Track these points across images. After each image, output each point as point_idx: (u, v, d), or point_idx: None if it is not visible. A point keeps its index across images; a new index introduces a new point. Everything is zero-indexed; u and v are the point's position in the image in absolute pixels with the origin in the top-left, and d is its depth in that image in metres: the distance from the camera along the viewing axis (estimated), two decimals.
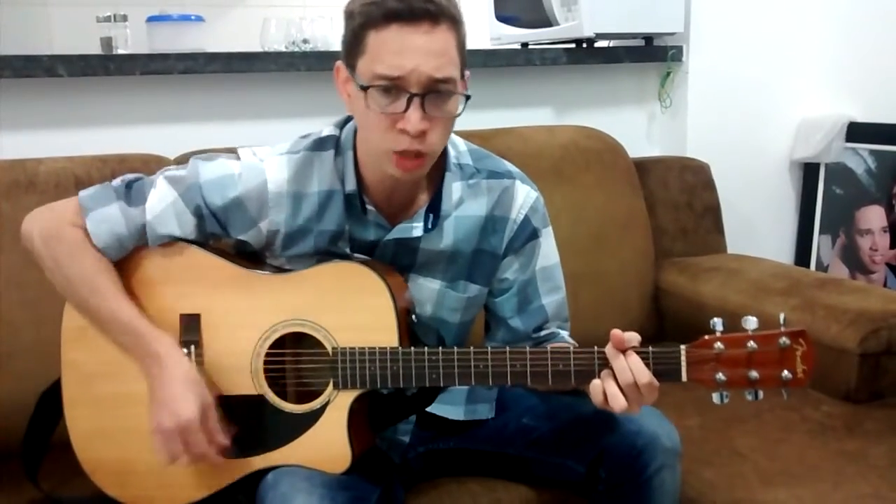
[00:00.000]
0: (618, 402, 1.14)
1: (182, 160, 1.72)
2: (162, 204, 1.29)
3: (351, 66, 1.20)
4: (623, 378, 1.14)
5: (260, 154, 1.32)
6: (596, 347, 1.18)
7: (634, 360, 1.14)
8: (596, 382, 1.16)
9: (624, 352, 1.15)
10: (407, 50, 1.14)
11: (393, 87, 1.15)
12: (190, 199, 1.29)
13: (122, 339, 1.27)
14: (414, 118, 1.15)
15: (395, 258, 1.33)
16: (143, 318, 1.27)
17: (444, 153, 1.31)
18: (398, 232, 1.31)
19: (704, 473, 1.47)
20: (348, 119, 1.32)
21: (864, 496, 1.38)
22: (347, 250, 1.31)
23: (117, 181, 1.33)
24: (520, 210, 1.37)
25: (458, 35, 1.18)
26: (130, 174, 1.34)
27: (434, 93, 1.16)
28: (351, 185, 1.28)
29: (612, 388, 1.15)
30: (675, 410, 1.49)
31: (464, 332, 1.44)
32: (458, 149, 1.36)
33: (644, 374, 1.13)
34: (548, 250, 1.41)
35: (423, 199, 1.32)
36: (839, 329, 1.72)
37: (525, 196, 1.37)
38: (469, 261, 1.36)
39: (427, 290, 1.36)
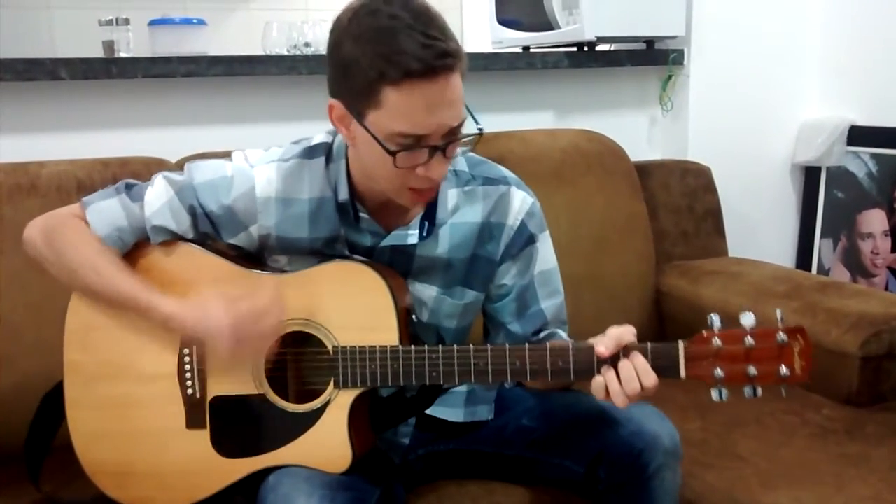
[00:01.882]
0: (620, 399, 1.15)
1: (183, 164, 1.73)
2: (159, 201, 1.30)
3: (356, 113, 1.16)
4: (629, 387, 1.14)
5: (251, 159, 1.33)
6: (594, 342, 1.18)
7: (640, 362, 1.15)
8: (598, 380, 1.16)
9: (627, 353, 1.15)
10: (429, 108, 1.12)
11: (415, 141, 1.14)
12: (184, 199, 1.30)
13: (134, 313, 1.27)
14: (438, 167, 1.17)
15: (391, 264, 1.33)
16: (144, 288, 1.26)
17: None
18: (393, 239, 1.31)
19: (705, 476, 1.47)
20: None
21: (864, 499, 1.38)
22: (346, 252, 1.32)
23: (118, 184, 1.35)
24: (516, 216, 1.36)
25: (463, 71, 1.17)
26: (132, 180, 1.36)
27: (452, 138, 1.17)
28: (343, 194, 1.28)
29: (615, 386, 1.15)
30: (677, 413, 1.49)
31: (462, 336, 1.44)
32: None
33: (650, 377, 1.14)
34: (546, 255, 1.41)
35: (419, 207, 1.32)
36: (840, 333, 1.72)
37: (521, 202, 1.37)
38: (465, 267, 1.36)
39: (424, 296, 1.36)
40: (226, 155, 1.37)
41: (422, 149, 1.15)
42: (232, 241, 1.33)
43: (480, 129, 1.20)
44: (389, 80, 1.10)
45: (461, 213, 1.35)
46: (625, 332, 1.17)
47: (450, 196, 1.34)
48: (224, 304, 1.21)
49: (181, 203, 1.30)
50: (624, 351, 1.16)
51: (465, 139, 1.20)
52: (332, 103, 1.20)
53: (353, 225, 1.31)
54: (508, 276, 1.39)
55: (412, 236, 1.31)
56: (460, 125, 1.17)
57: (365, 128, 1.15)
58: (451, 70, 1.13)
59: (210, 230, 1.32)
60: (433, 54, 1.10)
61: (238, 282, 1.30)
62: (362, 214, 1.30)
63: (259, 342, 1.23)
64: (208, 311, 1.21)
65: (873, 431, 1.61)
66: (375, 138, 1.14)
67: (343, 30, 1.15)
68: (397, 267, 1.33)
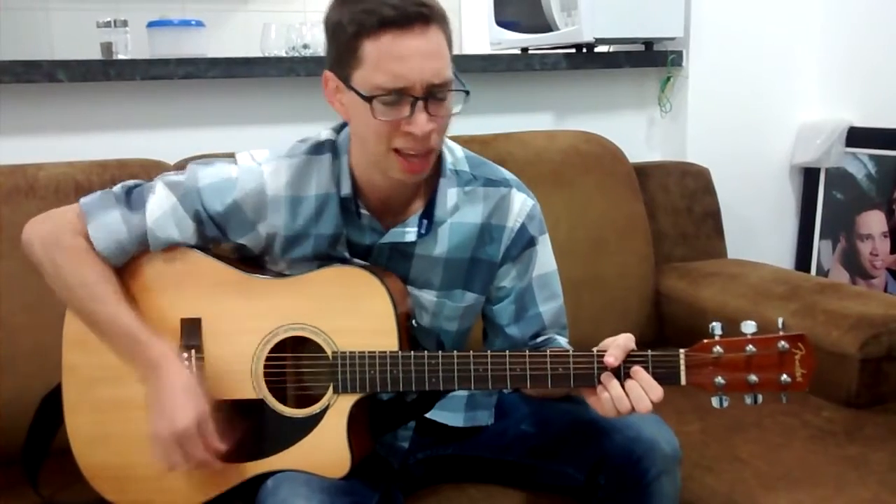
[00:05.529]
0: (623, 405, 1.15)
1: (182, 166, 1.72)
2: (161, 210, 1.29)
3: (343, 77, 1.19)
4: (640, 405, 1.14)
5: (258, 158, 1.33)
6: (595, 350, 1.18)
7: (644, 377, 1.15)
8: (606, 396, 1.16)
9: (628, 368, 1.15)
10: (405, 57, 1.14)
11: (396, 95, 1.16)
12: (189, 205, 1.29)
13: (120, 345, 1.28)
14: (421, 121, 1.17)
15: (389, 264, 1.33)
16: (142, 324, 1.27)
17: (440, 159, 1.31)
18: (392, 236, 1.31)
19: (705, 479, 1.47)
20: (345, 123, 1.33)
21: (864, 501, 1.38)
22: (346, 254, 1.32)
23: (117, 187, 1.33)
24: (516, 218, 1.37)
25: (447, 33, 1.20)
26: (130, 181, 1.35)
27: (435, 96, 1.18)
28: (346, 188, 1.29)
29: (618, 391, 1.15)
30: (676, 416, 1.50)
31: (463, 339, 1.44)
32: (456, 155, 1.37)
33: (656, 391, 1.14)
34: (545, 258, 1.41)
35: (419, 204, 1.33)
36: (840, 334, 1.72)
37: (521, 204, 1.37)
38: (465, 269, 1.36)
39: (424, 300, 1.36)
40: (226, 157, 1.36)
41: (403, 101, 1.16)
42: (240, 240, 1.32)
43: (467, 91, 1.21)
44: (367, 33, 1.14)
45: (461, 212, 1.35)
46: (629, 341, 1.17)
47: (450, 195, 1.34)
48: (202, 411, 1.21)
49: (185, 210, 1.29)
50: (625, 362, 1.16)
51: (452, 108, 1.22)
52: (325, 75, 1.23)
53: (354, 222, 1.31)
54: (507, 279, 1.39)
55: (410, 234, 1.31)
56: (444, 84, 1.18)
57: (352, 88, 1.18)
58: (427, 21, 1.16)
59: (217, 233, 1.32)
60: (408, 3, 1.14)
61: (237, 286, 1.29)
62: (363, 211, 1.30)
63: (186, 461, 1.22)
64: (188, 399, 1.21)
65: (873, 433, 1.61)
66: (358, 93, 1.16)
67: (332, 3, 1.20)
68: (397, 267, 1.33)
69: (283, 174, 1.30)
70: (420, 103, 1.16)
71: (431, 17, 1.16)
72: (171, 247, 1.31)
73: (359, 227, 1.32)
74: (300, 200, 1.30)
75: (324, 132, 1.34)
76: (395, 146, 1.19)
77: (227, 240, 1.33)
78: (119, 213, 1.29)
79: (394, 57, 1.14)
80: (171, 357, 1.25)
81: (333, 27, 1.19)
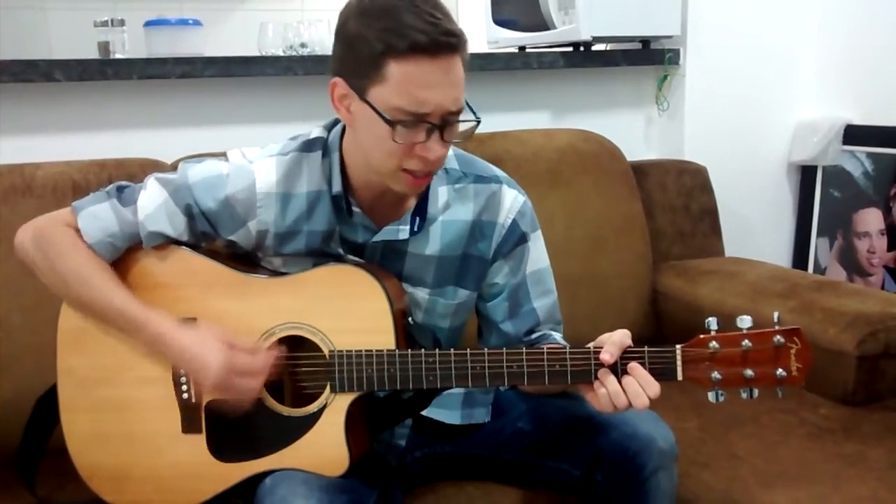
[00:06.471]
0: (620, 401, 1.15)
1: (178, 165, 1.73)
2: (153, 204, 1.30)
3: (358, 88, 1.18)
4: (638, 401, 1.14)
5: (249, 155, 1.33)
6: (592, 346, 1.19)
7: (641, 373, 1.15)
8: (603, 393, 1.16)
9: (625, 363, 1.15)
10: (431, 85, 1.14)
11: (414, 119, 1.16)
12: (180, 199, 1.30)
13: (120, 327, 1.28)
14: (436, 148, 1.18)
15: (383, 262, 1.33)
16: (136, 302, 1.26)
17: None
18: (385, 234, 1.31)
19: (702, 476, 1.47)
20: (336, 121, 1.33)
21: (862, 498, 1.38)
22: (341, 251, 1.32)
23: (109, 187, 1.34)
24: (507, 215, 1.37)
25: (465, 60, 1.19)
26: (123, 181, 1.35)
27: (451, 123, 1.19)
28: (337, 186, 1.29)
29: (615, 387, 1.15)
30: (673, 413, 1.49)
31: (457, 335, 1.44)
32: None
33: (654, 387, 1.15)
34: (537, 254, 1.41)
35: (410, 202, 1.33)
36: (837, 332, 1.72)
37: (512, 200, 1.37)
38: (458, 265, 1.36)
39: (417, 297, 1.36)
40: (222, 156, 1.36)
41: (420, 126, 1.16)
42: (231, 237, 1.32)
43: (478, 119, 1.22)
44: (394, 54, 1.13)
45: (452, 210, 1.35)
46: (625, 338, 1.17)
47: (440, 193, 1.34)
48: (222, 347, 1.21)
49: (176, 204, 1.30)
50: (622, 358, 1.16)
51: (463, 131, 1.23)
52: (334, 81, 1.22)
53: (346, 220, 1.32)
54: (500, 275, 1.39)
55: (403, 231, 1.31)
56: (459, 111, 1.19)
57: (367, 102, 1.17)
58: (455, 51, 1.16)
59: (208, 228, 1.32)
60: (439, 31, 1.13)
61: (233, 286, 1.30)
62: (355, 209, 1.31)
63: (240, 395, 1.24)
64: (205, 347, 1.22)
65: (870, 430, 1.61)
66: (376, 111, 1.16)
67: (350, 10, 1.19)
68: (390, 265, 1.34)
69: (273, 171, 1.30)
70: (437, 132, 1.17)
71: (458, 47, 1.16)
72: (165, 247, 1.31)
73: (351, 224, 1.32)
74: (290, 197, 1.30)
75: (315, 130, 1.34)
76: (406, 167, 1.20)
77: (217, 236, 1.33)
78: (109, 206, 1.30)
79: (420, 84, 1.14)
80: (169, 326, 1.25)
81: (353, 38, 1.17)
